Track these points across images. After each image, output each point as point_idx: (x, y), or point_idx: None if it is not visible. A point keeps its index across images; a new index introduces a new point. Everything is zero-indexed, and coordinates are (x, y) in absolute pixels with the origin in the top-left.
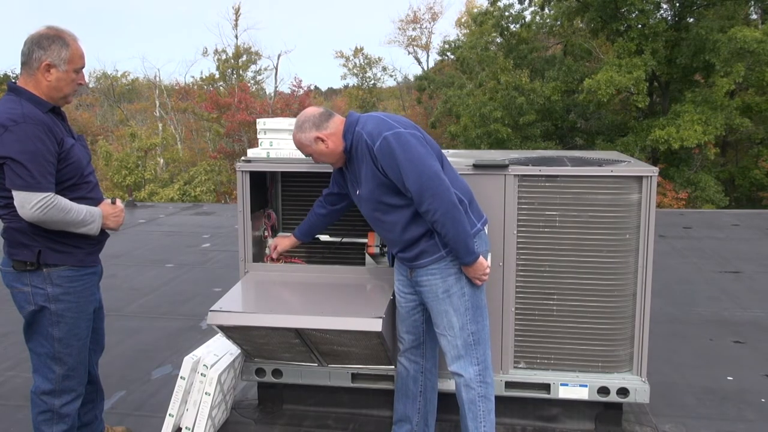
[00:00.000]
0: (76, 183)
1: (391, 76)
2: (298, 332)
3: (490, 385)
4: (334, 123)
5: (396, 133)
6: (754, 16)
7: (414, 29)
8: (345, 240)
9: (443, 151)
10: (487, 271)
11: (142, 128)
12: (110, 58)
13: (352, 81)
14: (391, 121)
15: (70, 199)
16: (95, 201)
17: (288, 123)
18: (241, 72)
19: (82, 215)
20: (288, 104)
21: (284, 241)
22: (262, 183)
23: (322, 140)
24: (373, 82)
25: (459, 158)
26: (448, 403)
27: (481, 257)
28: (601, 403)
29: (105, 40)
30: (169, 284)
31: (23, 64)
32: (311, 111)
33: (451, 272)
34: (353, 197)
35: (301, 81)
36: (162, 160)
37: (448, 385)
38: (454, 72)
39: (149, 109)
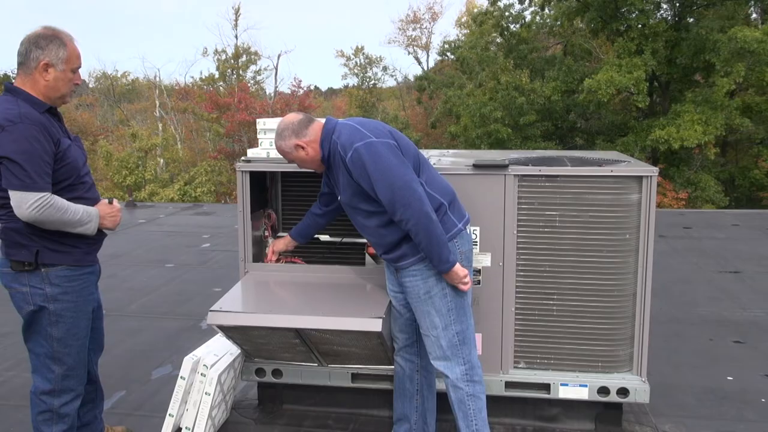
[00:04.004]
0: (72, 183)
1: (392, 76)
2: (298, 332)
3: (478, 383)
4: (314, 130)
5: (367, 143)
6: (755, 16)
7: (414, 29)
8: (345, 240)
9: (443, 151)
10: (465, 279)
11: (143, 128)
12: (110, 58)
13: (353, 81)
14: (364, 130)
15: (67, 199)
16: (92, 201)
17: None
18: (240, 72)
19: (79, 215)
20: (288, 104)
21: (279, 242)
22: (262, 183)
23: (302, 147)
24: (373, 82)
25: (459, 158)
26: (448, 402)
27: (457, 266)
28: (601, 403)
29: (105, 40)
30: (169, 284)
31: (20, 64)
32: (291, 118)
33: (432, 274)
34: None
35: (300, 81)
36: (162, 161)
37: None
38: (454, 72)
39: (149, 109)
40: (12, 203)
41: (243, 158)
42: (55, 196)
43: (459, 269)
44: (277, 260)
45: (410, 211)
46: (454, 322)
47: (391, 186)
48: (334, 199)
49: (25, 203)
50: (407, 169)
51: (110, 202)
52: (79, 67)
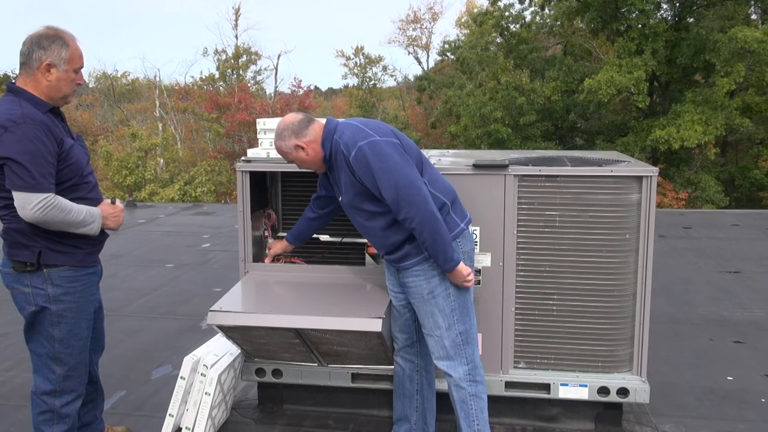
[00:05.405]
0: (75, 183)
1: (392, 76)
2: (298, 332)
3: (480, 383)
4: (314, 130)
5: (371, 142)
6: (754, 17)
7: (414, 29)
8: (345, 240)
9: (443, 151)
10: (469, 278)
11: (142, 128)
12: (110, 58)
13: (353, 81)
14: (367, 129)
15: (70, 200)
16: (95, 201)
17: None
18: (240, 72)
19: (82, 215)
20: (288, 104)
21: (277, 244)
22: (262, 183)
23: (302, 148)
24: (373, 82)
25: (459, 158)
26: (448, 402)
27: (461, 264)
28: (601, 403)
29: (105, 40)
30: (169, 284)
31: (22, 64)
32: (291, 118)
33: (435, 273)
34: (339, 202)
35: (300, 81)
36: (162, 161)
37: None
38: (454, 72)
39: (149, 109)
40: (15, 204)
41: (243, 158)
42: (59, 197)
43: (463, 268)
44: (278, 260)
45: (415, 209)
46: (458, 322)
47: (396, 184)
48: (330, 202)
49: (29, 204)
50: (411, 168)
51: (113, 202)
52: (82, 67)
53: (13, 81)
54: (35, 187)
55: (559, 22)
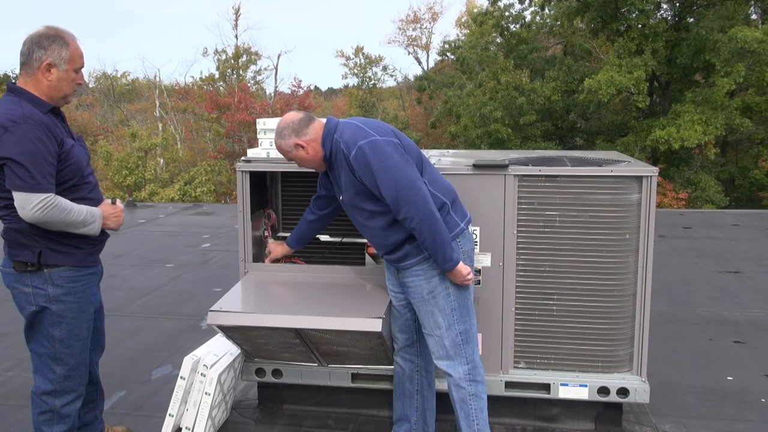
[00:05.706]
0: (76, 184)
1: (392, 76)
2: (298, 332)
3: (480, 383)
4: (314, 129)
5: (371, 141)
6: (754, 16)
7: (414, 29)
8: (345, 240)
9: (443, 151)
10: (469, 277)
11: (142, 128)
12: (110, 58)
13: (353, 81)
14: (367, 128)
15: (71, 200)
16: (95, 201)
17: None
18: (240, 72)
19: (83, 216)
20: (288, 104)
21: (278, 248)
22: (262, 183)
23: (302, 147)
24: (373, 82)
25: (459, 158)
26: (448, 402)
27: (460, 264)
28: (601, 403)
29: (105, 40)
30: (169, 284)
31: (23, 64)
32: (291, 117)
33: (435, 273)
34: (339, 201)
35: (300, 81)
36: (162, 161)
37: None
38: (454, 72)
39: (149, 109)
40: (16, 204)
41: (243, 158)
42: (59, 197)
43: (462, 267)
44: (277, 260)
45: (414, 209)
46: (458, 322)
47: (396, 184)
48: (330, 203)
49: (29, 204)
50: (411, 168)
51: (113, 203)
52: (82, 66)
53: (14, 81)
54: (35, 187)
55: (559, 22)
